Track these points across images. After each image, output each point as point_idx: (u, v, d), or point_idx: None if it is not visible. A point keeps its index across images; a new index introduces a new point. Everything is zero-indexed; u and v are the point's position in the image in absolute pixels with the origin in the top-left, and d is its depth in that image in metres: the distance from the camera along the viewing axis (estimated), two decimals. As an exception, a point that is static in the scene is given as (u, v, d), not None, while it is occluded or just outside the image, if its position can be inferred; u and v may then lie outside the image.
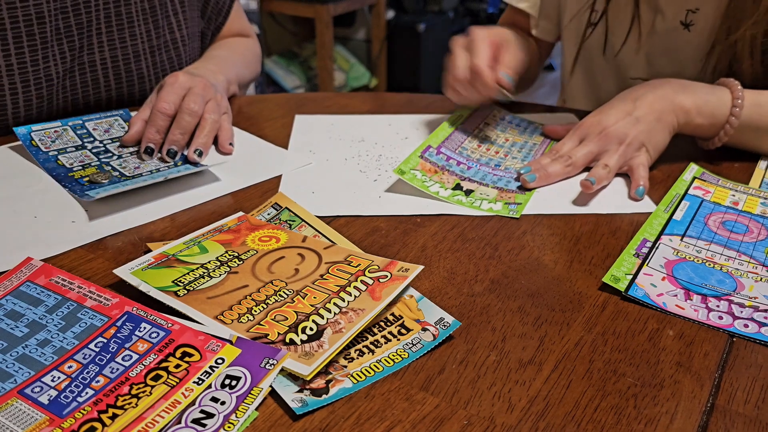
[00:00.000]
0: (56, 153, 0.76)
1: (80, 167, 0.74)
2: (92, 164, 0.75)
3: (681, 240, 0.63)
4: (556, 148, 0.78)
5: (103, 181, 0.71)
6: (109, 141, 0.79)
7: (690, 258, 0.60)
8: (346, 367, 0.47)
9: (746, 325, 0.52)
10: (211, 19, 1.04)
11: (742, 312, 0.53)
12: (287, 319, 0.50)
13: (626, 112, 0.75)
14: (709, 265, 0.59)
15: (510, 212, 0.68)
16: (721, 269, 0.59)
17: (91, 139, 0.79)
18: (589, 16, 0.95)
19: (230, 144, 0.81)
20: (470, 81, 0.83)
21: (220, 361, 0.45)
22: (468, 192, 0.71)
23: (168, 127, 0.78)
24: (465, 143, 0.82)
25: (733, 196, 0.71)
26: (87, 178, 0.72)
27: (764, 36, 0.79)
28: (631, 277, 0.57)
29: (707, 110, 0.76)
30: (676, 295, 0.55)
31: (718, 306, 0.54)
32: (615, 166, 0.74)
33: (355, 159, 0.80)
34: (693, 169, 0.77)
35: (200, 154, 0.77)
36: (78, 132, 0.79)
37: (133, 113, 0.82)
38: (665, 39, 0.90)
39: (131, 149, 0.78)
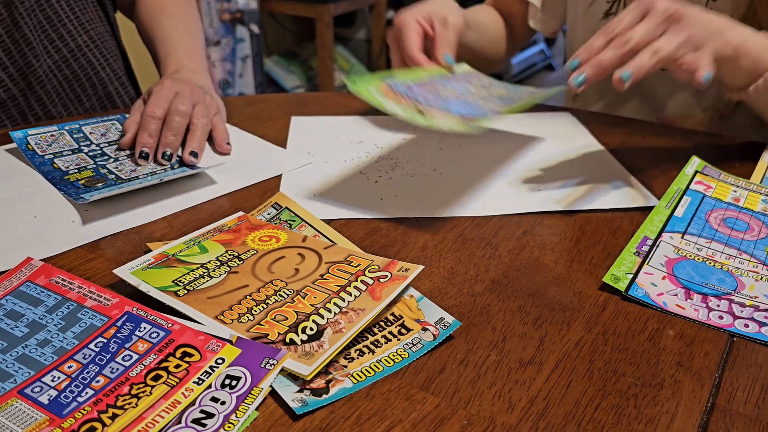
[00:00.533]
0: (52, 156, 0.76)
1: (76, 170, 0.74)
2: (88, 167, 0.74)
3: (682, 237, 0.63)
4: (610, 24, 0.67)
5: (98, 185, 0.70)
6: (106, 144, 0.79)
7: (691, 256, 0.60)
8: (346, 367, 0.47)
9: (746, 325, 0.52)
10: None
11: (742, 312, 0.53)
12: (287, 319, 0.50)
13: (694, 7, 0.67)
14: (710, 263, 0.59)
15: (471, 129, 0.61)
16: (721, 268, 0.59)
17: (88, 142, 0.79)
18: (609, 8, 0.92)
19: (227, 143, 0.81)
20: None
21: (220, 361, 0.45)
22: (427, 115, 0.62)
23: (159, 130, 0.77)
24: (440, 90, 0.72)
25: (735, 192, 0.71)
26: (83, 181, 0.71)
27: None
28: (631, 276, 0.57)
29: (753, 53, 0.69)
30: (676, 295, 0.55)
31: (718, 305, 0.54)
32: (669, 54, 0.64)
33: (354, 160, 0.80)
34: (695, 162, 0.76)
35: (196, 156, 0.77)
36: (75, 136, 0.79)
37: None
38: None
39: (127, 152, 0.78)
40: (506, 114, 0.69)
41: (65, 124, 0.81)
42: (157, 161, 0.76)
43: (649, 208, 0.69)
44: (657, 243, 0.62)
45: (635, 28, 0.65)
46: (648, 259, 0.59)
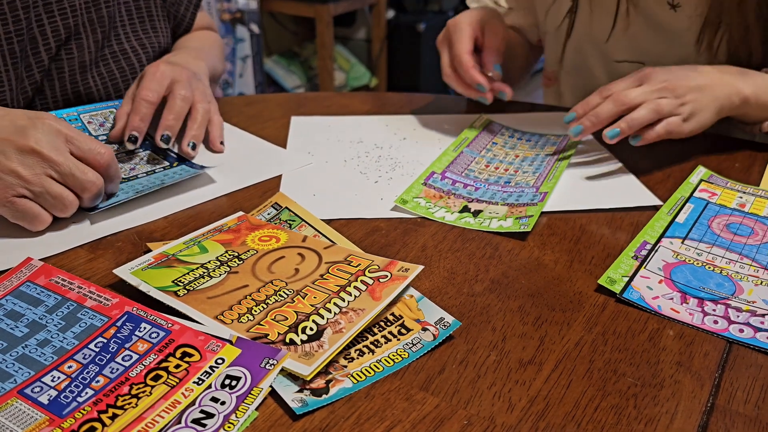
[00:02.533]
0: None
1: None
2: None
3: (682, 243, 0.63)
4: (607, 86, 0.76)
5: None
6: (105, 137, 0.77)
7: (690, 261, 0.60)
8: (346, 367, 0.47)
9: (741, 330, 0.52)
10: (175, 31, 1.02)
11: (738, 316, 0.53)
12: (287, 319, 0.50)
13: (691, 77, 0.74)
14: (709, 268, 0.59)
15: (521, 227, 0.64)
16: (720, 272, 0.58)
17: (87, 133, 0.77)
18: (571, 6, 0.96)
19: (221, 143, 0.81)
20: (457, 73, 0.83)
21: (220, 361, 0.45)
22: (476, 213, 0.68)
23: (151, 116, 0.76)
24: (471, 165, 0.78)
25: (741, 198, 0.70)
26: None
27: (757, 18, 0.80)
28: (627, 279, 0.57)
29: (764, 98, 0.77)
30: (671, 299, 0.55)
31: (714, 310, 0.54)
32: (668, 111, 0.72)
33: (354, 160, 0.80)
34: (700, 171, 0.76)
35: (194, 147, 0.76)
36: (73, 125, 0.77)
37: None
38: (652, 20, 0.90)
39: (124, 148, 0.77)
40: (549, 190, 0.72)
41: (62, 111, 0.78)
42: (155, 146, 0.75)
43: (650, 208, 0.69)
44: (656, 247, 0.61)
45: (632, 90, 0.73)
46: (646, 262, 0.59)
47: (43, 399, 0.42)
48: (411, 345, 0.49)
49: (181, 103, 0.77)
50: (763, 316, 0.53)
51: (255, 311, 0.51)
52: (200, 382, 0.44)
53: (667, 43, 0.91)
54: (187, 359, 0.45)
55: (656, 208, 0.69)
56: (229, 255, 0.57)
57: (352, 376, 0.46)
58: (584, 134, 0.74)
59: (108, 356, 0.46)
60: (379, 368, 0.47)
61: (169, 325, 0.48)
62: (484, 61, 0.86)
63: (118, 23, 0.90)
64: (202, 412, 0.42)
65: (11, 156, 0.60)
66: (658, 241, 0.63)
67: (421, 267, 0.55)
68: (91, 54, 0.87)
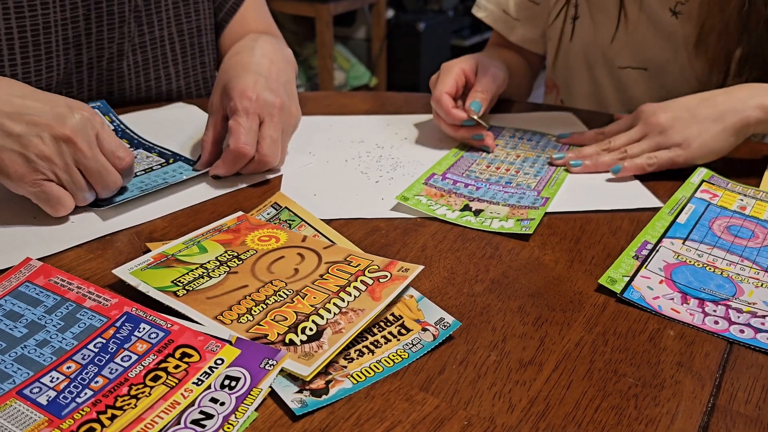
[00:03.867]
0: None
1: None
2: None
3: (683, 243, 0.62)
4: (608, 137, 0.80)
5: None
6: None
7: (690, 262, 0.60)
8: (345, 367, 0.47)
9: (742, 331, 0.51)
10: (216, 14, 0.98)
11: (739, 317, 0.53)
12: (287, 319, 0.50)
13: (686, 108, 0.75)
14: (710, 269, 0.59)
15: (522, 228, 0.64)
16: (721, 274, 0.58)
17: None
18: (566, 11, 0.96)
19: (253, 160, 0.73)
20: (437, 112, 0.82)
21: (219, 361, 0.45)
22: (477, 212, 0.68)
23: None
24: (473, 166, 0.78)
25: (741, 200, 0.70)
26: None
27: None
28: (628, 279, 0.57)
29: None
30: (672, 299, 0.55)
31: (714, 311, 0.54)
32: (636, 154, 0.76)
33: (355, 160, 0.80)
34: (702, 171, 0.75)
35: (218, 178, 0.74)
36: None
37: (109, 105, 0.80)
38: (654, 27, 0.90)
39: None
40: (550, 196, 0.71)
41: None
42: (146, 143, 0.76)
43: (650, 209, 0.69)
44: (657, 248, 0.61)
45: (632, 146, 0.77)
46: (646, 263, 0.59)
47: (42, 400, 0.42)
48: (411, 345, 0.49)
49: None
50: (763, 317, 0.53)
51: (254, 311, 0.50)
52: (199, 382, 0.44)
53: (669, 50, 0.91)
54: (186, 360, 0.45)
55: (656, 209, 0.69)
56: (229, 255, 0.57)
57: (351, 376, 0.46)
58: (581, 170, 0.77)
59: (107, 357, 0.46)
60: (378, 369, 0.47)
61: (169, 325, 0.48)
62: (467, 99, 0.82)
63: (162, 7, 0.90)
64: (201, 412, 0.42)
65: (47, 141, 0.61)
66: (659, 241, 0.62)
67: (421, 267, 0.55)
68: (132, 40, 0.87)
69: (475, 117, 0.79)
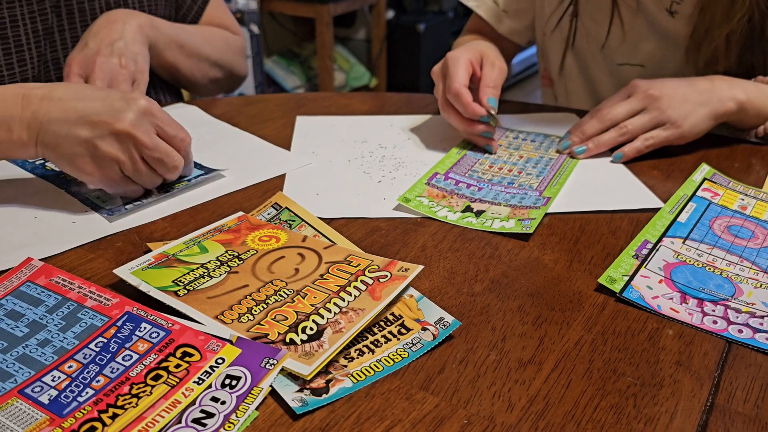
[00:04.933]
0: (42, 160, 0.75)
1: None
2: None
3: (683, 243, 0.63)
4: (604, 113, 0.81)
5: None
6: None
7: (690, 261, 0.60)
8: (346, 366, 0.47)
9: (740, 331, 0.52)
10: (185, 17, 1.02)
11: (737, 317, 0.53)
12: (287, 318, 0.50)
13: (677, 86, 0.79)
14: (709, 269, 0.59)
15: (523, 228, 0.64)
16: (721, 274, 0.59)
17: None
18: (565, 11, 0.96)
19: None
20: (452, 106, 0.81)
21: (220, 360, 0.45)
22: (478, 213, 0.68)
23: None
24: (475, 166, 0.78)
25: (742, 200, 0.70)
26: (95, 194, 0.69)
27: (740, 33, 0.83)
28: (627, 278, 0.57)
29: (758, 104, 0.81)
30: (671, 298, 0.55)
31: (713, 311, 0.54)
32: (636, 130, 0.79)
33: (358, 160, 0.80)
34: (704, 170, 0.76)
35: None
36: None
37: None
38: (652, 26, 0.90)
39: None
40: (552, 195, 0.72)
41: None
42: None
43: (651, 210, 0.69)
44: (657, 247, 0.61)
45: (631, 120, 0.79)
46: (646, 262, 0.59)
47: (44, 399, 0.42)
48: (411, 345, 0.49)
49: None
50: (762, 317, 0.53)
51: (255, 311, 0.51)
52: (200, 381, 0.44)
53: (666, 49, 0.91)
54: (187, 359, 0.46)
55: (657, 209, 0.69)
56: (229, 255, 0.58)
57: (352, 375, 0.46)
58: (587, 155, 0.80)
59: (108, 356, 0.46)
60: (379, 368, 0.47)
61: (170, 325, 0.48)
62: (480, 94, 0.82)
63: (130, 7, 0.92)
64: (202, 411, 0.42)
65: (108, 139, 0.63)
66: (660, 240, 0.63)
67: (421, 267, 0.55)
68: None
69: (494, 113, 0.79)
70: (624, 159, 0.78)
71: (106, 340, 0.47)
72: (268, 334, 0.48)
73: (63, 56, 0.87)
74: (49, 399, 0.42)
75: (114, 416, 0.41)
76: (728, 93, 0.79)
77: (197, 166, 0.76)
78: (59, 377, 0.44)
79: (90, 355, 0.46)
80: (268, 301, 0.52)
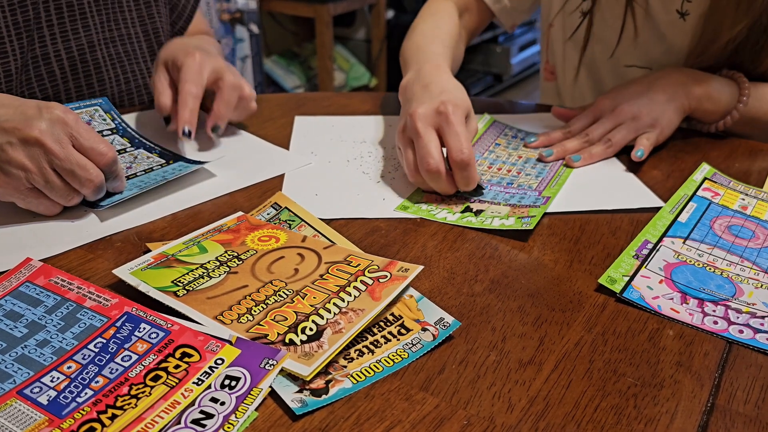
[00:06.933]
0: None
1: None
2: None
3: (683, 243, 0.62)
4: (569, 126, 0.84)
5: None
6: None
7: (691, 262, 0.60)
8: (345, 367, 0.47)
9: (741, 331, 0.52)
10: (175, 23, 1.03)
11: (738, 318, 0.53)
12: (287, 319, 0.50)
13: (639, 93, 0.82)
14: (710, 269, 0.59)
15: (523, 224, 0.64)
16: (721, 274, 0.58)
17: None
18: (590, 8, 0.95)
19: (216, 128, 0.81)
20: (447, 173, 0.68)
21: (219, 361, 0.45)
22: (478, 212, 0.67)
23: (197, 108, 0.77)
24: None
25: (743, 200, 0.70)
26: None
27: (747, 36, 0.83)
28: (627, 278, 0.57)
29: (716, 99, 0.82)
30: (672, 299, 0.55)
31: (714, 311, 0.54)
32: (620, 141, 0.80)
33: (357, 160, 0.80)
34: (704, 169, 0.76)
35: (217, 129, 0.80)
36: None
37: (111, 103, 0.81)
38: (662, 28, 0.90)
39: (118, 147, 0.76)
40: (552, 195, 0.72)
41: None
42: (147, 144, 0.77)
43: (651, 209, 0.69)
44: (657, 247, 0.61)
45: (613, 133, 0.81)
46: (647, 262, 0.59)
47: (43, 399, 0.42)
48: (411, 345, 0.49)
49: (234, 93, 0.80)
50: (762, 318, 0.53)
51: (254, 311, 0.51)
52: (200, 382, 0.44)
53: (675, 51, 0.91)
54: (186, 359, 0.45)
55: (657, 209, 0.69)
56: (229, 255, 0.57)
57: (351, 376, 0.46)
58: (553, 158, 0.80)
59: (107, 356, 0.46)
60: (378, 368, 0.47)
61: (169, 325, 0.48)
62: (456, 179, 0.69)
63: (125, 7, 0.92)
64: (201, 412, 0.42)
65: (17, 147, 0.60)
66: (660, 240, 0.63)
67: (421, 267, 0.55)
68: (98, 34, 0.88)
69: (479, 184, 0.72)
70: (582, 163, 0.79)
71: (105, 341, 0.47)
72: (268, 335, 0.48)
73: (53, 51, 0.85)
74: (48, 400, 0.42)
75: (113, 417, 0.41)
76: (685, 89, 0.82)
77: (182, 159, 0.76)
78: (58, 378, 0.44)
79: (89, 355, 0.46)
80: (267, 301, 0.52)
